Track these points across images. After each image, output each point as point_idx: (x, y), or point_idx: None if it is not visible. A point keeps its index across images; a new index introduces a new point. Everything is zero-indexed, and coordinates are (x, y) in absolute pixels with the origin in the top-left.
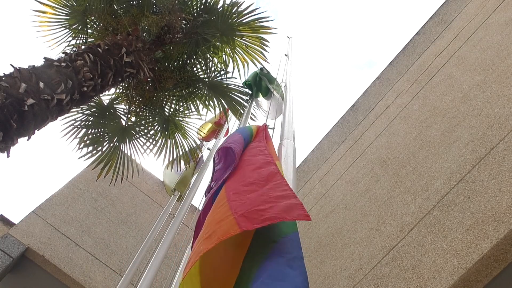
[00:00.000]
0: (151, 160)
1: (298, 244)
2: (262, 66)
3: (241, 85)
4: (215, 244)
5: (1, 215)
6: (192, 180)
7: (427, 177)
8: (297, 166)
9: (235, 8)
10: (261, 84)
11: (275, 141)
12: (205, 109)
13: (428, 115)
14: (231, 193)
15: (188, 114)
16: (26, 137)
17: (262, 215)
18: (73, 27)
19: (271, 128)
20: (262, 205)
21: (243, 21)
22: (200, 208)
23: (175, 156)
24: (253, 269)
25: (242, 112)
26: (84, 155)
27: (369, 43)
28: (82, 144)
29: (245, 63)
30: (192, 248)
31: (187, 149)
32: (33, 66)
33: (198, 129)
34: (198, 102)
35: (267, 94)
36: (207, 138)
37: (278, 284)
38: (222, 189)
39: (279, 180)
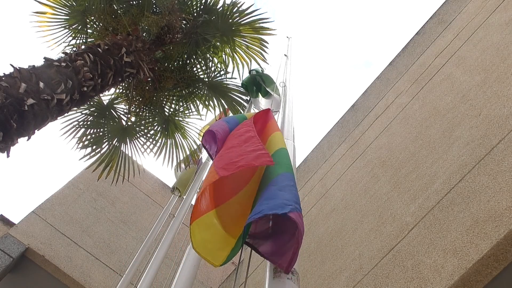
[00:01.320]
0: (151, 160)
1: (291, 177)
2: (256, 67)
3: (241, 85)
4: (202, 191)
5: (1, 215)
6: (192, 180)
7: (427, 177)
8: (297, 166)
9: (235, 8)
10: (261, 84)
11: None
12: (205, 109)
13: (428, 115)
14: (217, 158)
15: (188, 114)
16: (26, 137)
17: (236, 164)
18: (73, 27)
19: (275, 111)
20: (236, 158)
21: (243, 22)
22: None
23: (175, 156)
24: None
25: (242, 112)
26: (85, 156)
27: (366, 43)
28: (82, 144)
29: (245, 63)
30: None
31: (187, 149)
32: (33, 66)
33: (199, 131)
34: (198, 102)
35: (267, 94)
36: None
37: (270, 201)
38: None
39: (254, 140)
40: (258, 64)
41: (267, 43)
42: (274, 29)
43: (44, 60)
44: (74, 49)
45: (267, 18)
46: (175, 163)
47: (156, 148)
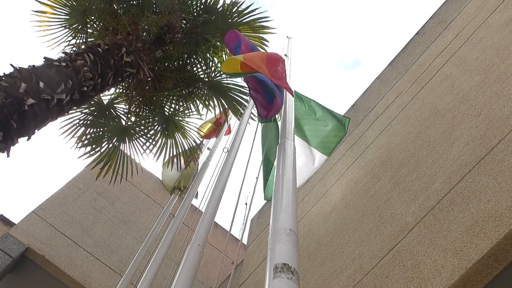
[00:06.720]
0: (151, 160)
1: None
2: None
3: (241, 84)
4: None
5: (1, 215)
6: (193, 180)
7: (427, 177)
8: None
9: (235, 7)
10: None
11: None
12: (205, 109)
13: (428, 115)
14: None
15: (188, 114)
16: (26, 137)
17: (280, 81)
18: (73, 26)
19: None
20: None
21: (243, 21)
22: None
23: (175, 155)
24: None
25: (242, 111)
26: (84, 155)
27: (359, 42)
28: (82, 144)
29: None
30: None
31: (187, 149)
32: (33, 66)
33: (198, 128)
34: (198, 102)
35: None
36: (207, 136)
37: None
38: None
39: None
40: None
41: (268, 41)
42: (274, 28)
43: (44, 60)
44: (74, 49)
45: (267, 17)
46: (173, 162)
47: (156, 148)
